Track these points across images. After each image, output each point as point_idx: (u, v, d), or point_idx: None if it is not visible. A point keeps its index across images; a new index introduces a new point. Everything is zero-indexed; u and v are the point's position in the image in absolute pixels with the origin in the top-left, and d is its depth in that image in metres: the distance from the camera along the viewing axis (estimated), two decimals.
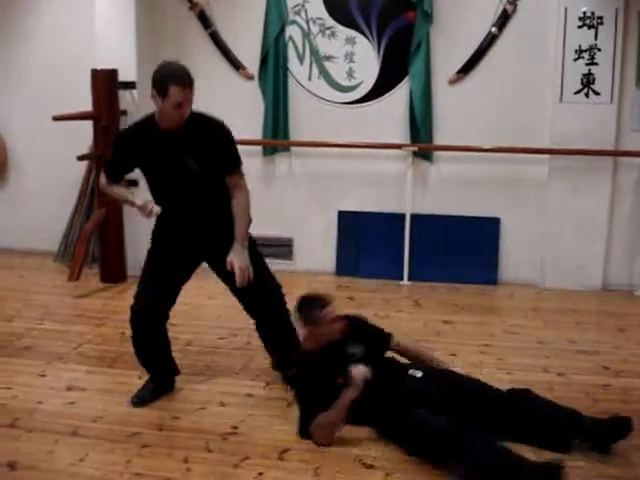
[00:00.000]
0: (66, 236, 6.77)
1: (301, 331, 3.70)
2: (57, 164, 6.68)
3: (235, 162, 3.71)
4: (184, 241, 3.75)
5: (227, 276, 3.74)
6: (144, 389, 3.90)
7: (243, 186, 3.73)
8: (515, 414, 3.33)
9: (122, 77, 6.03)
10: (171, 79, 3.37)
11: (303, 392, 3.57)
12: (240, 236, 3.66)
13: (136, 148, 3.63)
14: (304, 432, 3.45)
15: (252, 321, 4.05)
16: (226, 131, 3.68)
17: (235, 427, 3.57)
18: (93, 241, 6.37)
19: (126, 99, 6.12)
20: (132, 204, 3.63)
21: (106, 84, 5.94)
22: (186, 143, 3.56)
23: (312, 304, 3.69)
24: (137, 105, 6.14)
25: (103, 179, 3.82)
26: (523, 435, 3.31)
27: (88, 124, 6.05)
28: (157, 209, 3.52)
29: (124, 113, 6.11)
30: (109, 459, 3.27)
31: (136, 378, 4.07)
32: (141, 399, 3.83)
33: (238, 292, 3.83)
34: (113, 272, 6.21)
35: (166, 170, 3.62)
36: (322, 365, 3.57)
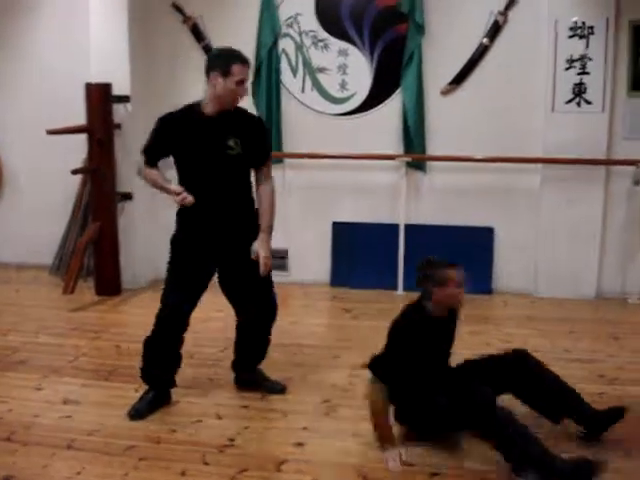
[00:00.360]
0: (61, 249, 6.77)
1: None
2: (52, 178, 6.69)
3: (270, 152, 3.98)
4: (208, 236, 3.79)
5: (236, 273, 3.85)
6: (141, 402, 3.90)
7: (271, 178, 3.96)
8: (521, 376, 3.56)
9: (116, 91, 6.04)
10: (234, 58, 3.63)
11: (402, 347, 3.41)
12: (267, 227, 3.83)
13: (178, 131, 3.72)
14: (375, 369, 3.41)
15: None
16: (263, 123, 3.98)
17: (232, 439, 3.58)
18: (88, 254, 6.37)
19: (120, 113, 6.14)
20: (167, 190, 3.70)
21: (100, 98, 5.96)
22: (230, 127, 3.71)
23: (443, 263, 3.58)
24: (131, 118, 6.16)
25: (141, 163, 3.86)
26: (525, 396, 3.58)
27: (82, 138, 6.06)
28: (191, 199, 3.60)
29: (118, 127, 6.13)
30: (106, 472, 3.27)
31: (132, 391, 4.07)
32: (138, 412, 3.83)
33: (239, 291, 3.92)
34: (108, 285, 6.21)
35: (206, 154, 3.71)
36: (430, 334, 3.47)
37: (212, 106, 3.68)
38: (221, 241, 3.80)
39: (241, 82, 3.62)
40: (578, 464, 3.07)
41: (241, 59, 3.63)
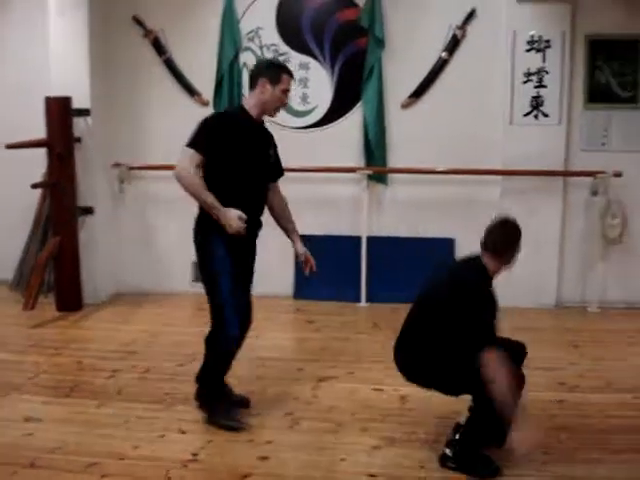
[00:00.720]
0: (21, 265, 6.68)
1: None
2: (11, 191, 6.59)
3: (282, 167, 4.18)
4: (248, 249, 3.92)
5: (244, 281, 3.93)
6: (224, 413, 3.89)
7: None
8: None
9: (76, 104, 5.99)
10: (284, 69, 3.89)
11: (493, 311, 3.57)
12: (296, 230, 4.17)
13: (233, 131, 3.74)
14: (492, 340, 3.47)
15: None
16: None
17: (195, 454, 3.55)
18: (49, 270, 6.29)
19: (80, 126, 6.09)
20: (218, 210, 3.59)
21: (60, 111, 5.91)
22: (268, 136, 3.98)
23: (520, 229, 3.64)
24: (91, 132, 6.12)
25: (186, 167, 3.63)
26: None
27: (42, 152, 6.00)
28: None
29: (78, 140, 6.08)
30: None
31: (93, 407, 4.04)
32: (238, 422, 3.86)
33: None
34: (69, 300, 6.14)
35: (254, 158, 3.81)
36: None
37: (256, 112, 3.82)
38: (251, 252, 3.97)
39: (286, 91, 3.82)
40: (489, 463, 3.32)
41: (290, 71, 3.88)
